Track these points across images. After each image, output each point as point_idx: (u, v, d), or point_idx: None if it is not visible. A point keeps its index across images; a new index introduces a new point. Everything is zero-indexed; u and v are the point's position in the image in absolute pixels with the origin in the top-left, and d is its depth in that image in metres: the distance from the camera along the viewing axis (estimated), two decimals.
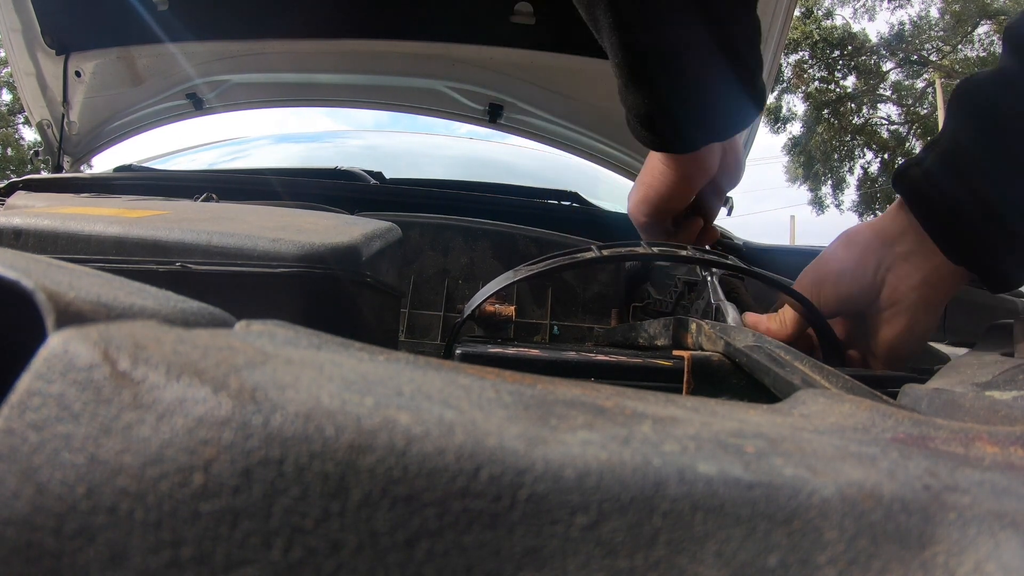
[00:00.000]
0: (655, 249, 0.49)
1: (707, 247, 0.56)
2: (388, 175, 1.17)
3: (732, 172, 0.62)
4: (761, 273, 0.51)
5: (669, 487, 0.12)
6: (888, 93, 14.97)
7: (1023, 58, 0.44)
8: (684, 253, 0.48)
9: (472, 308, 0.47)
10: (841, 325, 0.55)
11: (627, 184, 1.67)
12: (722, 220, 0.90)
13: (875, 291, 0.50)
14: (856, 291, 0.50)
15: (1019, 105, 0.44)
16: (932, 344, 0.60)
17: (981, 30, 13.62)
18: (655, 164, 0.60)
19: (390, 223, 0.54)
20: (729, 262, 0.49)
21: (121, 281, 0.20)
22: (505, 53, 1.47)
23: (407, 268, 0.82)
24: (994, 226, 0.45)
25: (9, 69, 1.74)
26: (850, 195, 15.17)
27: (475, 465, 0.12)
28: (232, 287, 0.37)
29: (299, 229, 0.43)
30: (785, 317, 0.53)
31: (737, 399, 0.39)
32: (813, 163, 14.86)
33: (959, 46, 13.76)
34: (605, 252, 0.47)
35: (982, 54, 13.50)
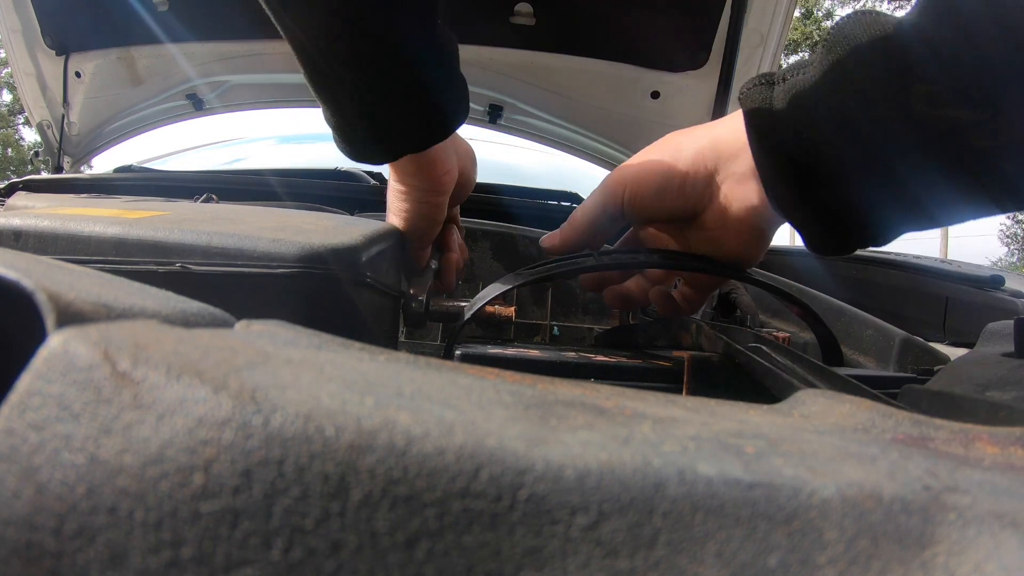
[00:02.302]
0: (656, 256, 0.48)
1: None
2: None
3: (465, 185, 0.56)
4: (765, 282, 0.50)
5: (669, 487, 0.12)
6: None
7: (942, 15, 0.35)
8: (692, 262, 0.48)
9: (469, 315, 0.46)
10: (654, 231, 0.52)
11: None
12: None
13: (700, 207, 0.46)
14: (680, 204, 0.46)
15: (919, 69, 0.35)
16: (932, 344, 0.60)
17: None
18: (391, 185, 0.53)
19: (390, 224, 0.54)
20: (732, 272, 0.49)
21: (121, 281, 0.20)
22: (505, 53, 1.47)
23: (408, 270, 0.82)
24: (826, 182, 0.39)
25: (9, 69, 1.74)
26: None
27: (475, 465, 0.12)
28: (232, 287, 0.37)
29: (299, 230, 0.43)
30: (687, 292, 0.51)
31: (737, 399, 0.39)
32: None
33: None
34: (605, 259, 0.46)
35: None
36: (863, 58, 0.37)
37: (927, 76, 0.35)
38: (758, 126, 0.41)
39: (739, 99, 0.44)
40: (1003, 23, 0.33)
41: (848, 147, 0.38)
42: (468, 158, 0.57)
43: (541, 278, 0.46)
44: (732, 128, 0.45)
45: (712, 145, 0.45)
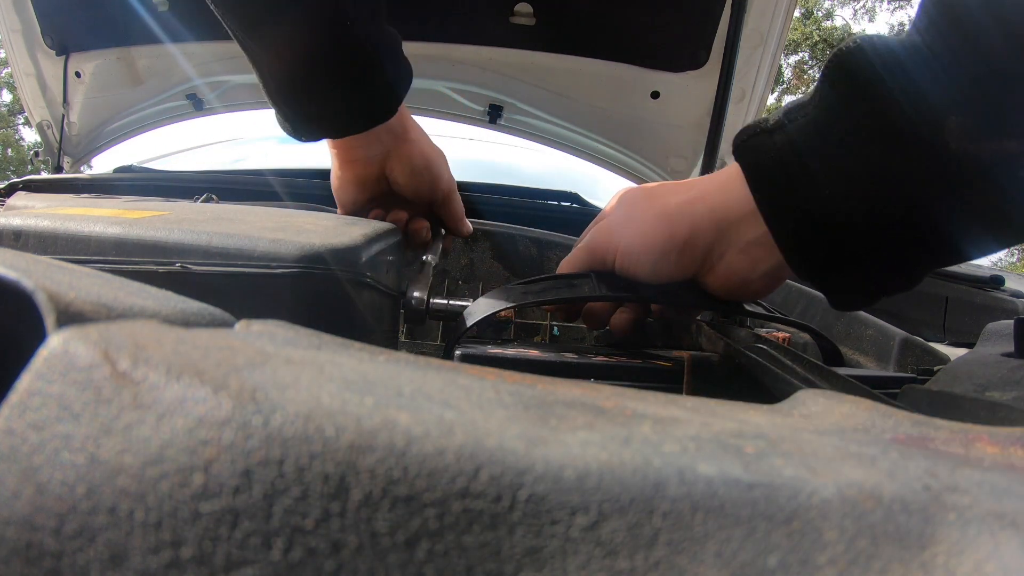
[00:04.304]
0: (655, 292, 0.47)
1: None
2: None
3: (414, 182, 0.61)
4: (759, 314, 0.49)
5: (669, 487, 0.12)
6: None
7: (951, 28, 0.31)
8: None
9: (469, 325, 0.46)
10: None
11: (627, 185, 1.67)
12: None
13: (701, 274, 0.42)
14: (678, 274, 0.42)
15: (913, 87, 0.32)
16: (932, 344, 0.60)
17: None
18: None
19: (390, 224, 0.54)
20: (735, 310, 0.46)
21: (121, 281, 0.20)
22: (505, 53, 1.47)
23: (407, 269, 0.82)
24: (854, 239, 0.34)
25: (9, 69, 1.74)
26: None
27: (475, 465, 0.12)
28: (232, 287, 0.37)
29: (299, 230, 0.43)
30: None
31: (737, 399, 0.39)
32: None
33: None
34: (606, 291, 0.44)
35: None
36: (877, 93, 0.32)
37: (958, 106, 0.30)
38: (768, 191, 0.36)
39: (735, 153, 0.39)
40: (1008, 32, 0.29)
41: (877, 200, 0.33)
42: (407, 162, 0.60)
43: (541, 302, 0.45)
44: (731, 190, 0.40)
45: (710, 214, 0.40)
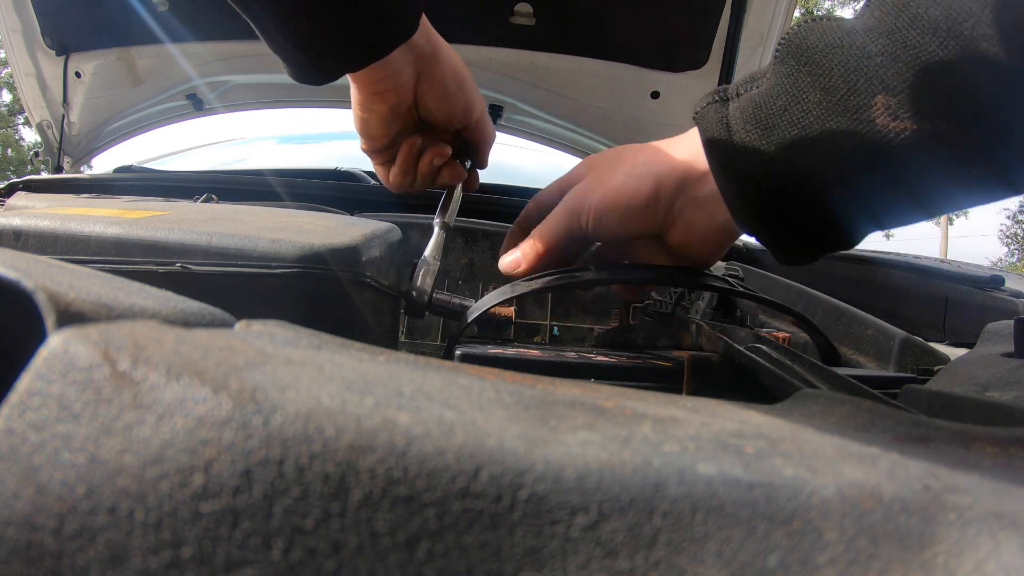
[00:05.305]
0: (653, 273, 0.48)
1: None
2: None
3: (447, 107, 0.54)
4: (756, 295, 0.50)
5: (669, 487, 0.12)
6: None
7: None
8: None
9: (470, 320, 0.46)
10: (613, 245, 0.52)
11: None
12: None
13: (665, 228, 0.46)
14: (644, 229, 0.46)
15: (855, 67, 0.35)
16: (932, 344, 0.60)
17: None
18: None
19: (390, 224, 0.54)
20: (722, 286, 0.49)
21: (121, 281, 0.20)
22: (505, 53, 1.47)
23: (407, 269, 0.82)
24: (793, 201, 0.38)
25: (9, 70, 1.74)
26: None
27: (475, 465, 0.12)
28: (232, 287, 0.37)
29: (299, 230, 0.43)
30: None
31: (737, 399, 0.39)
32: None
33: None
34: (603, 273, 0.47)
35: None
36: (819, 70, 0.36)
37: (886, 86, 0.34)
38: (718, 154, 0.40)
39: (694, 119, 0.42)
40: (951, 23, 0.31)
41: (811, 165, 0.37)
42: (439, 85, 0.54)
43: (540, 289, 0.46)
44: (691, 151, 0.44)
45: (672, 170, 0.45)
